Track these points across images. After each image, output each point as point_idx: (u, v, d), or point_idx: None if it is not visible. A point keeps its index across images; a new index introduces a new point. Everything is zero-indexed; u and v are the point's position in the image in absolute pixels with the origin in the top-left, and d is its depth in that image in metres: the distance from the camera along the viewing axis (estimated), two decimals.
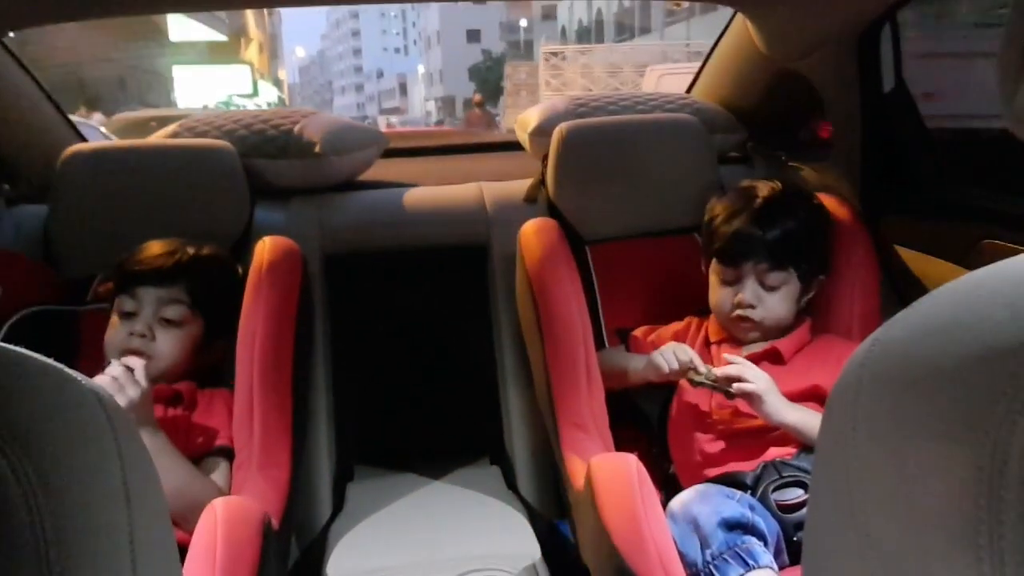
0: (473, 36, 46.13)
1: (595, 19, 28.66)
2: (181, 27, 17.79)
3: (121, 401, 1.05)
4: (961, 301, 0.38)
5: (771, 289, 1.27)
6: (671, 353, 1.23)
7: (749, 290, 1.26)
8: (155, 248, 1.31)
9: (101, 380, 1.05)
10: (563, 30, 32.49)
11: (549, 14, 35.61)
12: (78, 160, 1.47)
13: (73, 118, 1.83)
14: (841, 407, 0.42)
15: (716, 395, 1.26)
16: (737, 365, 1.18)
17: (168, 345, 1.24)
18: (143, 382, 1.08)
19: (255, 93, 18.95)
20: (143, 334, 1.23)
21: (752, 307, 1.26)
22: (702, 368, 1.21)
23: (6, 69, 1.51)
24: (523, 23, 38.61)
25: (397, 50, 65.26)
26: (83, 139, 1.82)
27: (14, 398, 0.39)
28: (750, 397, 1.16)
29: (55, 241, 1.45)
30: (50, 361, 0.42)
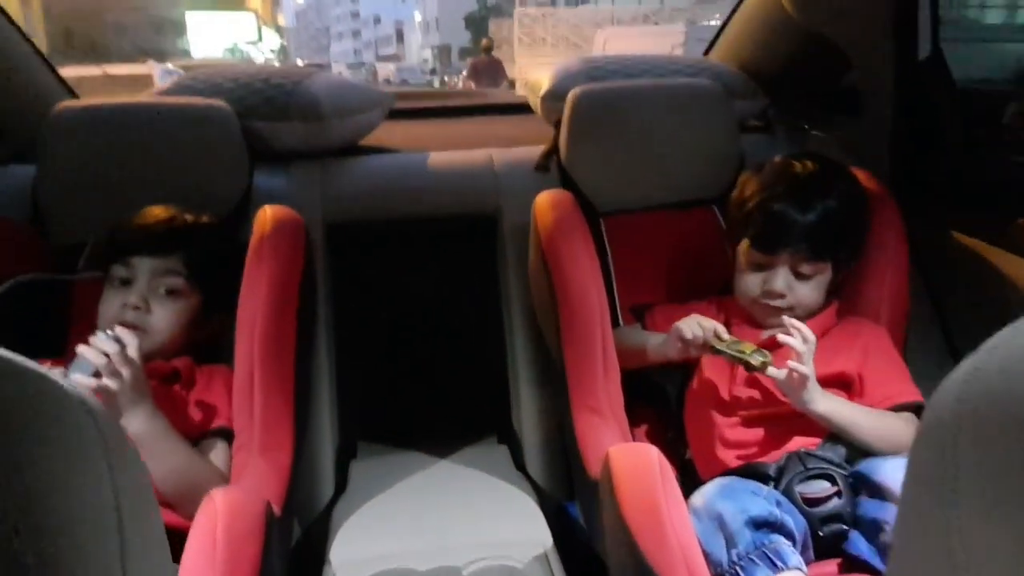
0: None
1: None
2: None
3: (113, 383, 0.99)
4: None
5: (804, 279, 1.19)
6: (695, 323, 1.17)
7: (781, 279, 1.18)
8: (151, 214, 1.25)
9: (90, 356, 1.00)
10: None
11: None
12: (67, 117, 1.39)
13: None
14: (937, 450, 0.36)
15: (737, 379, 1.21)
16: (799, 339, 1.09)
17: (164, 319, 1.18)
18: (136, 360, 1.02)
19: (259, 39, 19.60)
20: (137, 306, 1.17)
21: (782, 296, 1.19)
22: (726, 337, 1.15)
23: None
24: None
25: None
26: (74, 95, 1.74)
27: None
28: (792, 380, 1.09)
29: (44, 204, 1.37)
30: (33, 365, 0.38)
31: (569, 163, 1.49)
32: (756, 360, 1.11)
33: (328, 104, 1.57)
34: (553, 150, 1.58)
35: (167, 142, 1.38)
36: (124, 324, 1.15)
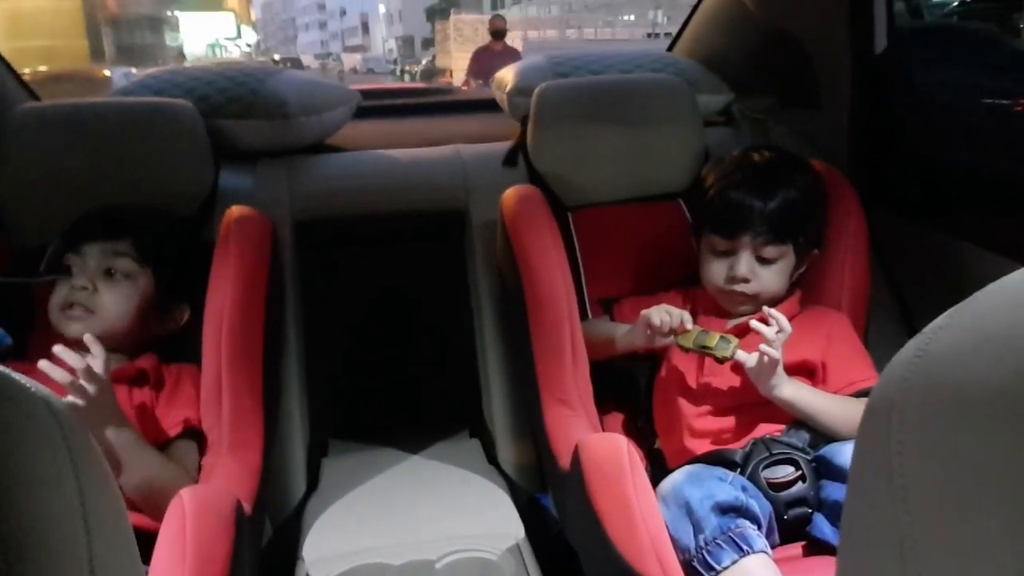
0: None
1: None
2: None
3: (79, 400, 0.98)
4: (1020, 303, 0.33)
5: (767, 263, 1.22)
6: (663, 310, 1.18)
7: (744, 264, 1.21)
8: (105, 206, 1.25)
9: (55, 374, 0.98)
10: None
11: None
12: (27, 119, 1.37)
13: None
14: (882, 429, 0.37)
15: (705, 368, 1.22)
16: (774, 327, 1.12)
17: (113, 300, 1.17)
18: (103, 375, 1.01)
19: (238, 36, 21.50)
20: (84, 287, 1.16)
21: (747, 281, 1.21)
22: (691, 327, 1.17)
23: None
24: None
25: None
26: (36, 97, 1.71)
27: None
28: (761, 365, 1.11)
29: (4, 207, 1.36)
30: None
31: (536, 158, 1.50)
32: (721, 351, 1.13)
33: (294, 102, 1.56)
34: (520, 145, 1.59)
35: (130, 141, 1.37)
36: (73, 306, 1.14)
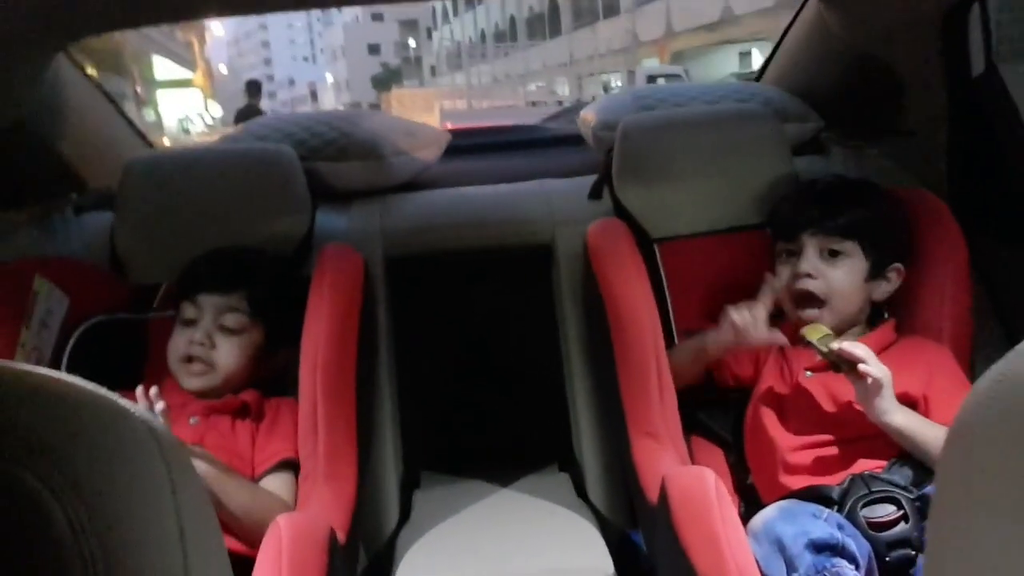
0: (374, 50, 56.13)
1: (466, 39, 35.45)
2: (163, 66, 24.79)
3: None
4: None
5: (833, 262, 1.22)
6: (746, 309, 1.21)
7: (808, 260, 1.22)
8: (218, 255, 1.32)
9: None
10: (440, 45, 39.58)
11: (430, 35, 45.05)
12: (141, 167, 1.47)
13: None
14: (963, 453, 0.36)
15: (801, 399, 1.19)
16: (862, 349, 1.10)
17: (228, 354, 1.24)
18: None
19: (206, 109, 26.44)
20: (202, 342, 1.23)
21: (811, 277, 1.21)
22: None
23: (70, 78, 1.52)
24: (412, 43, 49.53)
25: (305, 59, 73.06)
26: (151, 146, 1.84)
27: (64, 434, 0.37)
28: (867, 386, 1.08)
29: (121, 249, 1.45)
30: (102, 391, 0.40)
31: (621, 191, 1.51)
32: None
33: (386, 144, 1.62)
34: (605, 179, 1.60)
35: (234, 186, 1.45)
36: (190, 359, 1.22)
